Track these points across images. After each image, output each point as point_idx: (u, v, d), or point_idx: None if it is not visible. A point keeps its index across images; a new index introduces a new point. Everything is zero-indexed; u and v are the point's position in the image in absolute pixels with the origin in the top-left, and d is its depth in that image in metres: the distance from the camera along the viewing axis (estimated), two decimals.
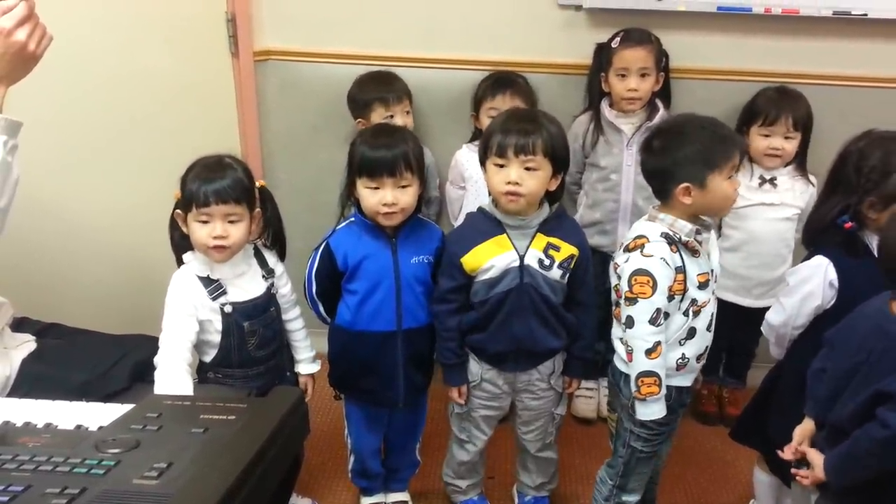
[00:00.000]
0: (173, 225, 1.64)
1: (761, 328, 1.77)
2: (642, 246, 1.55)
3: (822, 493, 1.46)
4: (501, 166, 1.60)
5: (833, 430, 1.40)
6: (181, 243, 1.64)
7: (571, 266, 1.68)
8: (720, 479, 2.19)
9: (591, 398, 2.39)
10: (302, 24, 2.33)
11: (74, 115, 1.95)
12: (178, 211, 1.59)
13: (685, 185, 1.52)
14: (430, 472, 2.10)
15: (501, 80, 2.17)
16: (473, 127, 2.27)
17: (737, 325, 2.23)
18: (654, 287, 1.53)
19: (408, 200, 1.65)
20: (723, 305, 2.10)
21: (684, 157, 1.52)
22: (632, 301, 1.55)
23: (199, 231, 1.56)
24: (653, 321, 1.55)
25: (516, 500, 2.04)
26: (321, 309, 1.79)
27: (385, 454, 2.00)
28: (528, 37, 2.27)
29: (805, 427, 1.49)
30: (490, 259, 1.65)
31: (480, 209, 1.72)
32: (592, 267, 1.77)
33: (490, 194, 1.69)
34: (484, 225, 1.68)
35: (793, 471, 1.49)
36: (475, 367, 1.78)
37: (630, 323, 1.57)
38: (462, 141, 2.29)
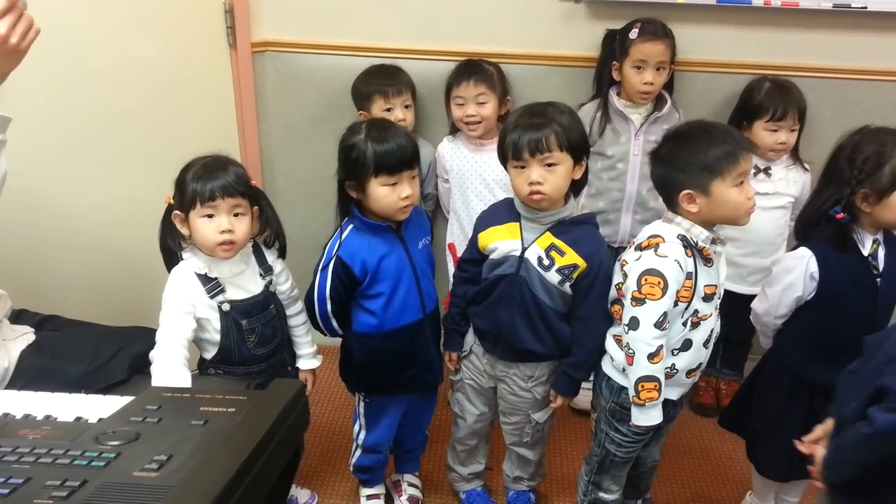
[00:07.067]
0: (164, 229, 1.62)
1: (750, 316, 1.79)
2: (657, 245, 1.51)
3: (829, 491, 1.45)
4: (522, 167, 1.57)
5: (838, 425, 1.39)
6: (172, 248, 1.61)
7: (574, 276, 1.62)
8: (717, 471, 2.20)
9: (589, 389, 2.40)
10: (300, 16, 2.33)
11: (73, 106, 1.94)
12: (177, 212, 1.56)
13: (688, 191, 1.49)
14: (436, 469, 2.12)
15: (467, 67, 2.16)
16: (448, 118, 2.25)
17: (732, 312, 2.24)
18: (665, 289, 1.48)
19: (417, 192, 1.65)
20: None
21: (686, 162, 1.48)
22: (639, 302, 1.50)
23: (205, 227, 1.53)
24: (658, 325, 1.50)
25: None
26: (335, 324, 1.74)
27: (399, 438, 1.98)
28: (526, 29, 2.27)
29: (827, 426, 1.44)
30: (496, 241, 1.66)
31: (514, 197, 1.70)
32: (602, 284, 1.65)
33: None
34: (506, 211, 1.69)
35: (809, 467, 1.46)
36: (469, 337, 1.81)
37: (634, 325, 1.51)
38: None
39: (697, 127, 1.55)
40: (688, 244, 1.51)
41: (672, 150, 1.53)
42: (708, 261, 1.53)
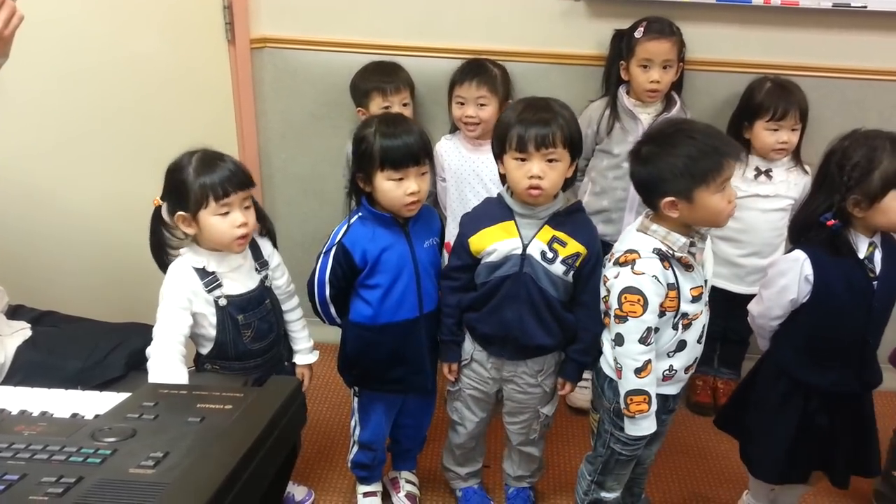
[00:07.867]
0: (155, 233, 1.60)
1: (747, 318, 1.78)
2: (633, 262, 1.50)
3: None
4: (522, 160, 1.57)
5: None
6: (162, 247, 1.60)
7: (577, 264, 1.63)
8: (714, 470, 2.20)
9: (586, 388, 2.39)
10: (299, 12, 2.32)
11: (70, 102, 1.93)
12: (182, 213, 1.53)
13: (670, 198, 1.47)
14: (434, 465, 2.11)
15: (471, 68, 2.15)
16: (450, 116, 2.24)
17: (729, 311, 2.25)
18: (645, 306, 1.48)
19: (426, 188, 1.65)
20: (716, 292, 2.12)
21: (669, 169, 1.46)
22: (622, 319, 1.51)
23: (221, 224, 1.52)
24: (643, 340, 1.51)
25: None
26: (333, 311, 1.75)
27: (397, 437, 1.99)
28: (526, 26, 2.26)
29: None
30: (493, 243, 1.64)
31: (499, 195, 1.69)
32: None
33: (507, 187, 1.66)
34: (495, 210, 1.67)
35: None
36: (468, 345, 1.78)
37: (620, 341, 1.53)
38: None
39: (679, 130, 1.52)
40: (664, 257, 1.50)
41: (654, 153, 1.50)
42: (688, 267, 1.53)
